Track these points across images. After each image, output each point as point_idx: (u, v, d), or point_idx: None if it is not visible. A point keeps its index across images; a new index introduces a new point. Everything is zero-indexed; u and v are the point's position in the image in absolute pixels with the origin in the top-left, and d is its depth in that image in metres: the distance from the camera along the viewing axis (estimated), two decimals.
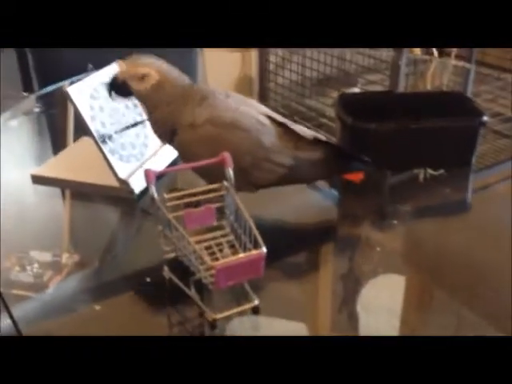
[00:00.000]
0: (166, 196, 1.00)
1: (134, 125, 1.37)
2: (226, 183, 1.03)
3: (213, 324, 0.91)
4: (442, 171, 1.36)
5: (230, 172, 1.02)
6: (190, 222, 1.00)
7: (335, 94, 1.65)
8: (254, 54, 2.32)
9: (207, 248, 1.01)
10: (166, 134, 1.14)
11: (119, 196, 1.27)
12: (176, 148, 1.16)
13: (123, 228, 1.31)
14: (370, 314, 0.96)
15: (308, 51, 2.27)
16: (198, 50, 2.26)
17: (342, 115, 1.35)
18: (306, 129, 1.18)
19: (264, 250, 0.89)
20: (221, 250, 1.00)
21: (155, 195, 0.97)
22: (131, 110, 1.38)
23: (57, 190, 1.38)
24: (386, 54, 2.16)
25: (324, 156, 1.14)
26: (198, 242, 1.00)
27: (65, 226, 1.29)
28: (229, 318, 0.91)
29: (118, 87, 1.12)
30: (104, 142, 1.26)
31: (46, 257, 1.11)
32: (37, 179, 1.35)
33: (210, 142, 1.10)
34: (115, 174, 1.25)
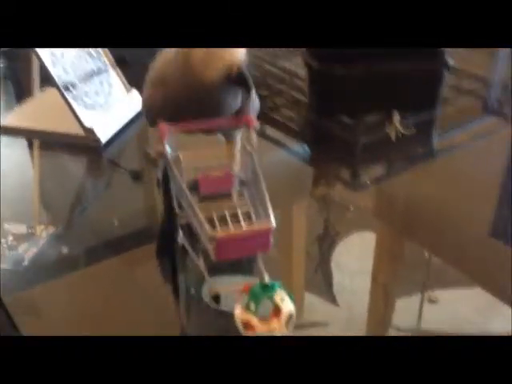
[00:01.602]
0: (181, 156, 0.93)
1: (98, 72, 1.35)
2: (248, 147, 0.94)
3: (215, 298, 0.87)
4: (413, 130, 1.37)
5: (254, 134, 0.93)
6: (206, 187, 0.92)
7: None
8: None
9: (221, 217, 0.91)
10: None
11: (85, 145, 1.26)
12: None
13: (91, 181, 1.30)
14: (344, 273, 0.97)
15: None
16: None
17: (308, 60, 1.34)
18: None
19: (273, 223, 0.82)
20: (237, 221, 0.91)
21: (168, 154, 0.90)
22: (95, 57, 1.36)
23: (25, 157, 1.35)
24: None
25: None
26: (210, 210, 0.91)
27: (35, 193, 1.27)
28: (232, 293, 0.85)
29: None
30: (67, 89, 1.25)
31: (21, 229, 1.08)
32: (3, 130, 1.34)
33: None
34: (80, 123, 1.25)
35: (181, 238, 0.97)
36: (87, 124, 1.26)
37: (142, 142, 1.39)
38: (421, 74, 1.33)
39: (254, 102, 1.11)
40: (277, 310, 0.77)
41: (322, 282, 0.98)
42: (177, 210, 0.95)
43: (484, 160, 1.29)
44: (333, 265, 1.00)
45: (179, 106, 0.97)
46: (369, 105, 1.36)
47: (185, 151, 0.95)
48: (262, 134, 1.41)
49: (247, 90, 0.92)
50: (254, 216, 0.90)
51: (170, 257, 1.01)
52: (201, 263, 0.91)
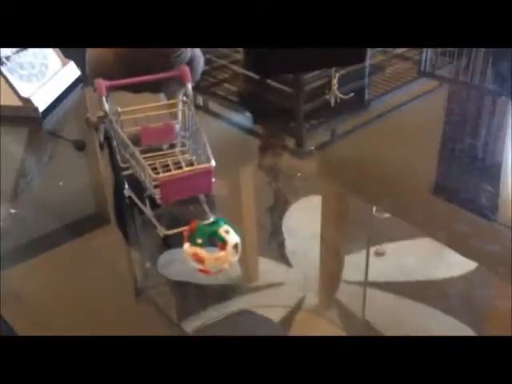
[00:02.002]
0: (120, 110, 0.97)
1: None
2: (184, 98, 1.00)
3: (164, 240, 0.92)
4: (351, 94, 1.41)
5: (189, 86, 0.99)
6: (147, 138, 0.97)
7: None
8: None
9: (164, 165, 0.99)
10: None
11: (24, 116, 1.29)
12: None
13: (34, 153, 1.30)
14: (297, 238, 1.00)
15: None
16: None
17: None
18: None
19: (213, 164, 0.88)
20: (180, 167, 0.98)
21: (107, 108, 0.94)
22: None
23: None
24: None
25: None
26: (154, 160, 0.98)
27: None
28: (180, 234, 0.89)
29: None
30: (1, 62, 1.27)
31: None
32: None
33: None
34: (17, 93, 1.27)
35: (127, 190, 1.01)
36: (24, 94, 1.28)
37: (82, 112, 1.39)
38: None
39: (200, 58, 1.15)
40: (223, 242, 0.82)
41: (275, 247, 1.01)
42: (120, 163, 0.99)
43: (422, 119, 1.34)
44: (284, 229, 1.03)
45: (129, 61, 1.01)
46: (304, 63, 1.42)
47: (124, 106, 0.99)
48: (205, 109, 1.42)
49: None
50: (196, 163, 0.97)
51: (119, 210, 1.04)
52: (148, 211, 0.96)
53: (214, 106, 1.44)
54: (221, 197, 1.09)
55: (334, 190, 1.18)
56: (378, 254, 0.95)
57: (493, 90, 1.52)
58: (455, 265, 0.92)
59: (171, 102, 1.02)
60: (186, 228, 0.86)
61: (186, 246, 0.83)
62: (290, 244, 0.99)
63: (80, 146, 1.25)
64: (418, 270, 0.91)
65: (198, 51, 1.14)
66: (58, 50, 1.44)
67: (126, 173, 0.99)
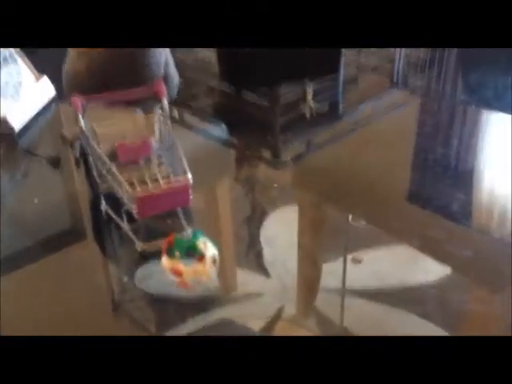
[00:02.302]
0: (95, 126, 0.98)
1: (5, 62, 1.37)
2: (160, 113, 1.01)
3: (142, 254, 0.92)
4: (325, 106, 1.43)
5: (165, 101, 1.00)
6: (124, 154, 0.97)
7: None
8: None
9: (141, 180, 0.97)
10: None
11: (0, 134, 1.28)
12: None
13: (8, 171, 1.28)
14: (275, 248, 1.01)
15: None
16: None
17: None
18: None
19: (189, 178, 0.88)
20: (156, 181, 0.97)
21: (83, 125, 0.95)
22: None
23: None
24: None
25: None
26: (130, 175, 0.97)
27: None
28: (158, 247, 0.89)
29: None
30: None
31: None
32: None
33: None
34: None
35: (103, 205, 1.01)
36: None
37: (57, 128, 1.39)
38: None
39: (174, 77, 1.17)
40: (201, 255, 0.83)
41: (253, 257, 1.01)
42: (97, 179, 1.00)
43: (395, 129, 1.36)
44: (262, 240, 1.03)
45: (103, 76, 1.02)
46: (278, 75, 1.45)
47: (100, 123, 0.99)
48: (182, 122, 1.42)
49: (146, 59, 1.01)
50: (172, 177, 0.97)
51: (97, 225, 1.04)
52: (125, 225, 0.96)
53: (190, 118, 1.44)
54: (198, 209, 1.09)
55: (311, 199, 1.19)
56: (355, 261, 0.96)
57: (463, 100, 1.56)
58: (430, 270, 0.93)
59: (147, 117, 1.03)
60: (163, 242, 0.86)
61: (164, 259, 0.84)
62: (267, 254, 0.99)
63: (55, 163, 1.25)
64: (394, 276, 0.92)
65: (172, 69, 1.14)
66: (31, 66, 1.44)
67: (102, 188, 1.00)
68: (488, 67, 1.61)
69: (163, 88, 0.98)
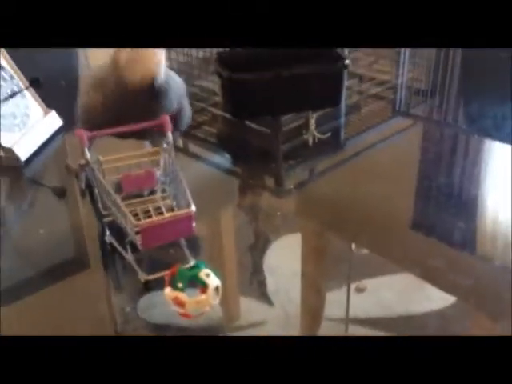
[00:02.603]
0: (101, 159, 0.99)
1: (13, 95, 1.39)
2: (165, 146, 1.02)
3: (146, 285, 0.92)
4: (328, 134, 1.44)
5: (170, 134, 1.01)
6: (129, 185, 0.99)
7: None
8: None
9: (145, 211, 1.01)
10: None
11: (6, 165, 1.30)
12: None
13: (15, 201, 1.31)
14: (278, 277, 1.01)
15: None
16: None
17: (220, 70, 1.42)
18: None
19: (193, 209, 0.89)
20: (160, 213, 1.00)
21: (88, 157, 0.96)
22: (8, 81, 1.41)
23: None
24: None
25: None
26: (135, 206, 1.00)
27: None
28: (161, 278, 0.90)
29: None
30: None
31: None
32: None
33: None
34: None
35: (108, 236, 1.02)
36: (6, 144, 1.30)
37: (63, 159, 1.40)
38: (323, 75, 1.46)
39: (187, 109, 1.19)
40: (204, 285, 0.83)
41: (256, 286, 1.01)
42: (102, 210, 1.01)
43: (398, 157, 1.37)
44: (265, 268, 1.03)
45: (114, 110, 1.04)
46: (281, 107, 1.45)
47: (106, 155, 1.01)
48: (186, 151, 1.44)
49: (160, 95, 1.01)
50: (176, 208, 0.99)
51: (101, 256, 1.05)
52: (129, 256, 0.97)
53: (194, 148, 1.46)
54: (201, 238, 1.09)
55: (314, 227, 1.19)
56: (359, 290, 0.95)
57: (465, 129, 1.57)
58: (433, 299, 0.93)
59: (153, 150, 1.05)
60: (166, 272, 0.86)
61: (167, 290, 0.84)
62: (271, 283, 0.99)
63: (60, 193, 1.27)
64: (397, 305, 0.92)
65: (186, 102, 1.16)
66: (39, 99, 1.46)
67: (107, 219, 1.01)
68: (489, 97, 1.63)
69: (168, 122, 0.99)
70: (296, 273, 1.02)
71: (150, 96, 0.99)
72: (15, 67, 1.43)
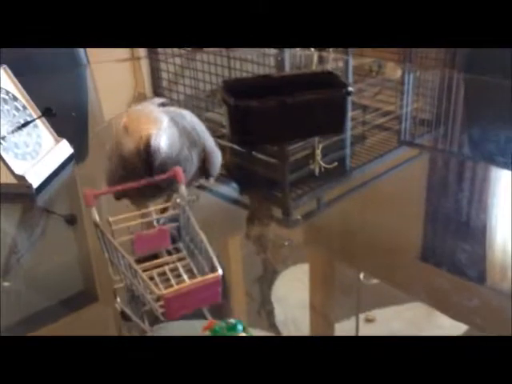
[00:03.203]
0: (111, 219, 0.90)
1: (25, 124, 1.42)
2: (178, 200, 0.93)
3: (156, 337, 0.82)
4: (335, 163, 1.45)
5: (183, 188, 0.92)
6: (141, 246, 0.90)
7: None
8: (145, 70, 2.32)
9: (161, 274, 0.90)
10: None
11: (18, 192, 1.32)
12: None
13: (27, 229, 1.31)
14: (287, 307, 1.00)
15: (199, 64, 2.30)
16: (85, 64, 2.25)
17: (226, 98, 1.44)
18: None
19: (220, 273, 0.81)
20: (178, 276, 0.91)
21: (97, 218, 0.86)
22: (21, 111, 1.44)
23: None
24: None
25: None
26: (149, 269, 0.90)
27: None
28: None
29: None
30: None
31: None
32: None
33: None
34: (11, 171, 1.32)
35: (118, 303, 0.92)
36: (18, 172, 1.32)
37: (73, 187, 1.44)
38: (327, 101, 1.49)
39: (216, 153, 1.13)
40: None
41: (264, 316, 1.00)
42: (112, 276, 0.91)
43: (404, 186, 1.38)
44: (273, 299, 1.03)
45: (135, 172, 0.94)
46: (286, 134, 1.48)
47: (115, 215, 0.92)
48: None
49: (148, 167, 0.89)
50: (195, 269, 0.91)
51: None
52: (146, 327, 0.87)
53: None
54: None
55: (322, 257, 1.19)
56: (368, 321, 0.94)
57: (471, 157, 1.58)
58: (443, 326, 0.92)
59: (166, 205, 0.97)
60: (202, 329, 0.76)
61: None
62: (279, 313, 0.99)
63: (71, 221, 1.28)
64: (408, 335, 0.91)
65: (213, 146, 1.10)
66: (51, 129, 1.50)
67: (117, 286, 0.91)
68: (492, 123, 1.64)
69: (181, 173, 0.92)
70: (304, 303, 1.01)
71: (167, 158, 0.93)
72: (27, 97, 1.47)
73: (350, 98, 1.52)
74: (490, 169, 1.47)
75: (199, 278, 0.82)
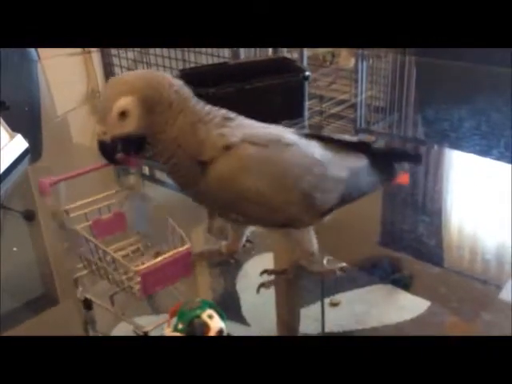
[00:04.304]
0: (67, 207, 0.91)
1: None
2: (131, 184, 0.97)
3: (146, 336, 0.83)
4: None
5: (134, 173, 0.95)
6: (100, 231, 0.91)
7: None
8: (97, 65, 2.28)
9: (124, 257, 0.92)
10: (193, 168, 0.82)
11: None
12: (210, 183, 0.81)
13: None
14: (250, 294, 1.00)
15: (152, 58, 2.28)
16: (36, 59, 2.20)
17: None
18: (344, 135, 0.97)
19: (189, 243, 0.83)
20: (142, 255, 0.94)
21: (54, 208, 0.89)
22: None
23: None
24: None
25: (371, 161, 0.94)
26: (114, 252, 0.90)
27: None
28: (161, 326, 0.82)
29: (112, 151, 0.81)
30: None
31: None
32: None
33: (258, 164, 0.82)
34: None
35: (80, 292, 0.92)
36: None
37: (29, 183, 1.40)
38: (285, 86, 1.50)
39: None
40: (206, 327, 0.76)
41: (230, 306, 1.00)
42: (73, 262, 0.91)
43: None
44: (238, 288, 1.03)
45: None
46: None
47: (71, 202, 0.93)
48: (152, 179, 1.43)
49: (104, 156, 0.84)
50: (157, 247, 0.92)
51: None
52: (117, 311, 0.88)
53: (160, 174, 1.45)
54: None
55: (285, 243, 1.19)
56: (333, 304, 0.96)
57: (425, 140, 1.62)
58: (405, 307, 0.95)
59: (120, 189, 0.97)
60: (166, 318, 0.78)
61: (167, 331, 0.77)
62: (245, 301, 0.99)
63: (30, 217, 1.25)
64: (371, 316, 0.93)
65: None
66: (5, 124, 1.46)
67: (79, 274, 0.91)
68: (443, 104, 1.69)
69: (133, 161, 0.89)
70: (270, 290, 1.02)
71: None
72: None
73: (306, 83, 1.54)
74: (445, 151, 1.52)
75: (171, 252, 0.83)
